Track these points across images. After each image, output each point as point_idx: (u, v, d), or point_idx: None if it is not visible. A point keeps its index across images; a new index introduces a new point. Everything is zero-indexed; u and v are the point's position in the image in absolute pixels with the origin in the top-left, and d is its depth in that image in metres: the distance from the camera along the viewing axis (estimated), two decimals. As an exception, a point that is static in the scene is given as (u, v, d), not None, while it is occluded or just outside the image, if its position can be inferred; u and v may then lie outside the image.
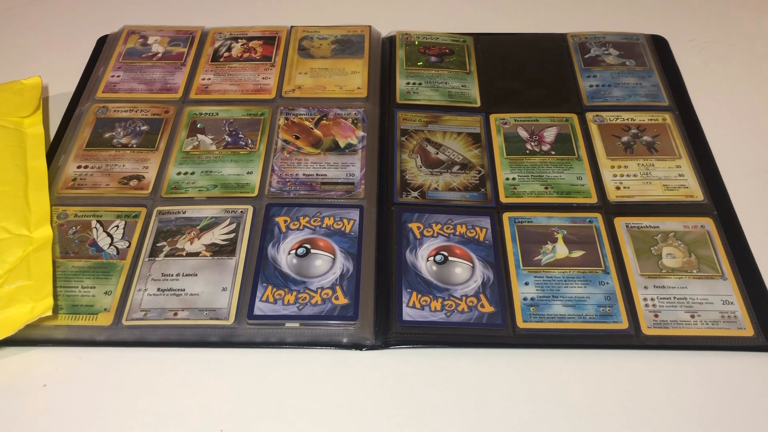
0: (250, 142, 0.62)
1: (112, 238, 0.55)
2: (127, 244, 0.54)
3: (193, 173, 0.59)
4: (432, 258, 0.53)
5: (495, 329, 0.50)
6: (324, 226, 0.55)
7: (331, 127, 0.63)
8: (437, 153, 0.61)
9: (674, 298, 0.51)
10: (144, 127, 0.63)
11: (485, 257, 0.53)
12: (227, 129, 0.63)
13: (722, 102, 0.68)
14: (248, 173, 0.59)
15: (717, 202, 0.57)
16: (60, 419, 0.46)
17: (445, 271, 0.53)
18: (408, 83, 0.68)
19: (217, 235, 0.55)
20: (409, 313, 0.50)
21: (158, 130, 0.63)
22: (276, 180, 0.59)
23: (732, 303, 0.51)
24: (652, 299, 0.51)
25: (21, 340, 0.49)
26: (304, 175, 0.59)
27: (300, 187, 0.58)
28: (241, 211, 0.56)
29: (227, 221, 0.56)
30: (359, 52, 0.70)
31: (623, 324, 0.50)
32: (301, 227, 0.55)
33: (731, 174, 0.60)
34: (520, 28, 0.75)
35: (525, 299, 0.51)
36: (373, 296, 0.52)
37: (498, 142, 0.62)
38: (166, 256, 0.54)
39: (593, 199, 0.58)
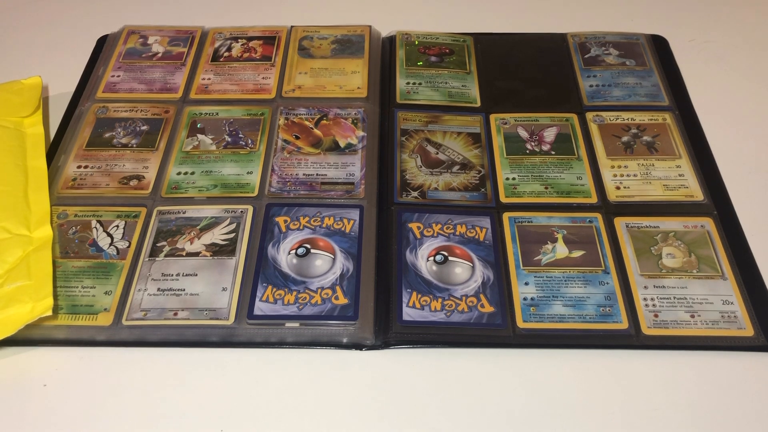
0: (250, 142, 0.62)
1: (112, 238, 0.55)
2: (127, 244, 0.54)
3: (193, 173, 0.59)
4: (432, 258, 0.53)
5: (495, 329, 0.50)
6: (324, 226, 0.55)
7: (331, 127, 0.63)
8: (437, 153, 0.61)
9: (674, 298, 0.51)
10: (144, 127, 0.63)
11: (485, 257, 0.53)
12: (227, 129, 0.63)
13: (722, 102, 0.67)
14: (248, 173, 0.59)
15: (717, 202, 0.57)
16: (60, 419, 0.46)
17: (445, 271, 0.53)
18: (408, 83, 0.68)
19: (217, 235, 0.55)
20: (409, 313, 0.50)
21: (158, 130, 0.63)
22: (276, 180, 0.59)
23: (732, 303, 0.51)
24: (652, 299, 0.51)
25: (21, 340, 0.49)
26: (304, 175, 0.59)
27: (300, 187, 0.58)
28: (241, 211, 0.56)
29: (227, 221, 0.56)
30: (359, 52, 0.70)
31: (623, 324, 0.50)
32: (301, 227, 0.55)
33: (731, 174, 0.60)
34: (520, 28, 0.75)
35: (525, 299, 0.51)
36: (373, 296, 0.52)
37: (498, 142, 0.62)
38: (166, 256, 0.54)
39: (593, 199, 0.58)
